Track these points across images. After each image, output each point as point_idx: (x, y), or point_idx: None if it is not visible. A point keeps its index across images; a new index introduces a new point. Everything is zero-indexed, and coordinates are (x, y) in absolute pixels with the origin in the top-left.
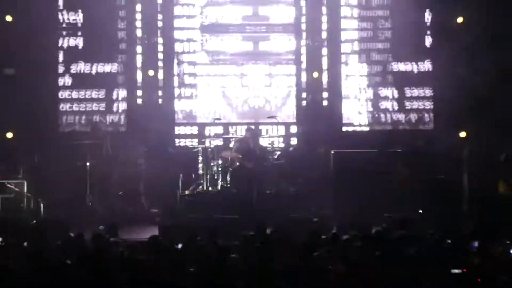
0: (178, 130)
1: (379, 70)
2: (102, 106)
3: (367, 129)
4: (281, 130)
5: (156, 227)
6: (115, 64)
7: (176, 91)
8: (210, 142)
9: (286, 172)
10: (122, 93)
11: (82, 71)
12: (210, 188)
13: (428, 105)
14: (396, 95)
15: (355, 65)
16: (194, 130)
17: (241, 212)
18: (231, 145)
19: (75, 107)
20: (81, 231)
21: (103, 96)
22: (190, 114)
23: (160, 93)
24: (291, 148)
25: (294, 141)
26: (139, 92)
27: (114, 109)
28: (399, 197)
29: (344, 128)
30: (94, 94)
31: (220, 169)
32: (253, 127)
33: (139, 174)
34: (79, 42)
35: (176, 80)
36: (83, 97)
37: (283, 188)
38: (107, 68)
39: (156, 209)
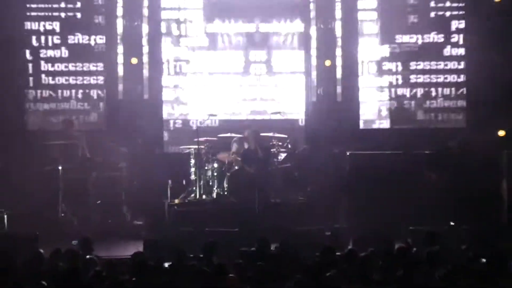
0: (167, 128)
1: (404, 59)
2: (77, 101)
3: (388, 127)
4: (288, 128)
5: (140, 242)
6: (92, 51)
7: (164, 82)
8: (204, 142)
9: (293, 177)
10: (101, 86)
11: (54, 56)
12: (204, 197)
13: (460, 100)
14: (423, 89)
15: (375, 51)
16: (186, 128)
17: (240, 224)
18: (232, 148)
19: (44, 103)
20: (52, 247)
21: (79, 90)
22: (180, 109)
23: (145, 85)
24: (299, 150)
25: (302, 141)
26: (120, 85)
27: (91, 104)
28: (426, 207)
29: (362, 126)
30: (68, 87)
31: (215, 174)
32: (254, 125)
33: (121, 180)
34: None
35: (165, 69)
36: (54, 92)
37: (290, 196)
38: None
39: (140, 221)
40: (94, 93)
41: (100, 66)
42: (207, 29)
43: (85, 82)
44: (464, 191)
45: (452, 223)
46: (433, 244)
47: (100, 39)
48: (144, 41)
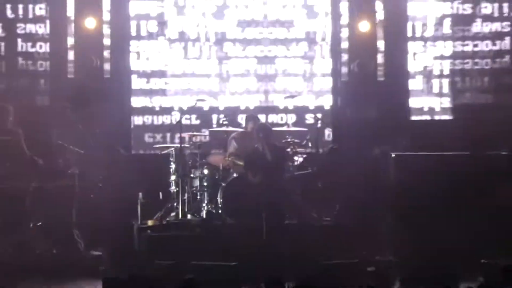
0: (137, 119)
1: (466, 26)
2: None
3: (449, 117)
4: (308, 118)
5: (98, 281)
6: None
7: (134, 53)
8: (189, 140)
9: (316, 189)
10: (44, 57)
11: None
12: (189, 216)
13: None
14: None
15: (431, 8)
16: (164, 118)
17: (240, 256)
18: (230, 148)
19: None
20: None
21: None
22: (157, 93)
23: (105, 57)
24: (324, 150)
25: (329, 136)
26: (70, 61)
27: (31, 84)
28: (504, 233)
29: (413, 116)
30: None
31: (205, 183)
32: (261, 116)
33: (71, 193)
34: None
35: (134, 32)
36: None
37: (311, 216)
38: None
39: (98, 252)
40: (33, 67)
41: (42, 29)
42: None
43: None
44: None
45: None
46: None
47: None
48: None
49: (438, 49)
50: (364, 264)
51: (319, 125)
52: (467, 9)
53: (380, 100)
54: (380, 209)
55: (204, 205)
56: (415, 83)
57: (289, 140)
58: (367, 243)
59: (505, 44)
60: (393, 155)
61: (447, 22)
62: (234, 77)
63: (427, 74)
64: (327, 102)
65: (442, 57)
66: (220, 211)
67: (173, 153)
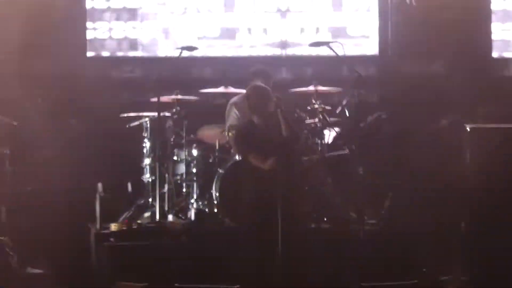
0: (93, 72)
1: None
2: None
3: None
4: (343, 75)
5: None
6: None
7: None
8: (171, 106)
9: (356, 178)
10: None
11: None
12: (170, 217)
13: None
14: None
15: None
16: (135, 75)
17: (246, 276)
18: (229, 119)
19: None
20: None
21: None
22: (125, 41)
23: None
24: (366, 121)
25: (373, 102)
26: None
27: None
28: None
29: (498, 72)
30: None
31: (195, 170)
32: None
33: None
34: None
35: None
36: None
37: (348, 217)
38: None
39: (38, 269)
40: None
41: None
42: None
43: None
44: None
45: None
46: None
47: None
48: None
49: None
50: (424, 286)
51: (331, 51)
52: None
53: (449, 49)
54: (448, 209)
55: (192, 201)
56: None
57: (316, 106)
58: (428, 257)
59: None
60: (467, 128)
61: None
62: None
63: None
64: (372, 48)
65: None
66: (215, 210)
67: (148, 125)
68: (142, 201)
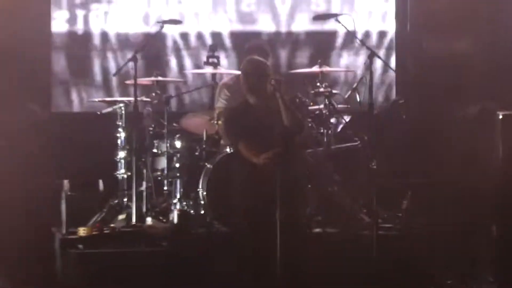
0: (63, 53)
1: None
2: None
3: None
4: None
5: None
6: None
7: None
8: (150, 89)
9: (368, 174)
10: None
11: None
12: (149, 221)
13: None
14: None
15: None
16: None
17: (237, 287)
18: (218, 103)
19: None
20: None
21: None
22: (101, 16)
23: None
24: (383, 105)
25: (390, 85)
26: None
27: None
28: None
29: None
30: None
31: (178, 165)
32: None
33: None
34: None
35: None
36: None
37: (359, 219)
38: None
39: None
40: None
41: None
42: None
43: None
44: None
45: None
46: None
47: None
48: None
49: None
50: None
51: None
52: None
53: (478, 24)
54: (476, 208)
55: (175, 201)
56: None
57: (321, 90)
58: (453, 267)
59: None
60: (501, 116)
61: None
62: None
63: None
64: (387, 24)
65: None
66: (202, 211)
67: (123, 112)
68: (115, 201)
